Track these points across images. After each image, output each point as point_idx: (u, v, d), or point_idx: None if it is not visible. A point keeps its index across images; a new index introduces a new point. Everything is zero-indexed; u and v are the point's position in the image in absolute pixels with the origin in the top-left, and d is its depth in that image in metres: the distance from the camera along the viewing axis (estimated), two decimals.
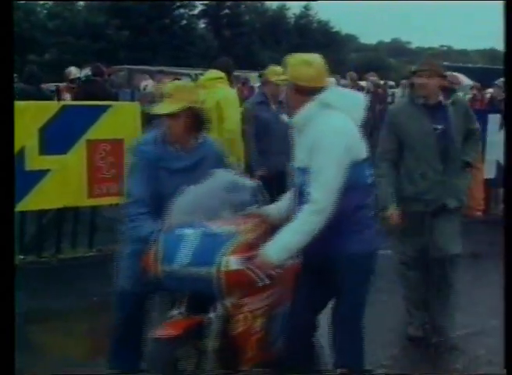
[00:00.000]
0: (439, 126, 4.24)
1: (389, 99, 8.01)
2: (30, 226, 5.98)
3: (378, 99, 8.09)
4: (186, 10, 39.85)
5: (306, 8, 44.78)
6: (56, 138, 5.52)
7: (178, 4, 38.49)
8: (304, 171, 3.07)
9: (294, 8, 45.00)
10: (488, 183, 8.63)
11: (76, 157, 5.72)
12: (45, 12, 33.65)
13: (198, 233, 3.03)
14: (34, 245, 5.91)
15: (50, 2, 33.87)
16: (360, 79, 13.59)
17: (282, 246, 3.00)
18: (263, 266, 2.96)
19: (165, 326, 3.06)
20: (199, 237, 3.02)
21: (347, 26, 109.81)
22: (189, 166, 3.35)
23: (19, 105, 5.81)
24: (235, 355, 3.16)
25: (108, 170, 5.93)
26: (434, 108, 4.26)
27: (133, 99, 6.77)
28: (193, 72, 17.99)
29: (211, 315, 3.03)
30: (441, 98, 4.27)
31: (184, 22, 39.29)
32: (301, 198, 3.05)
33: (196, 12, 40.59)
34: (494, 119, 8.33)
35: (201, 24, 41.36)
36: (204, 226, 3.07)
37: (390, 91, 11.49)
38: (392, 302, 5.10)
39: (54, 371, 3.55)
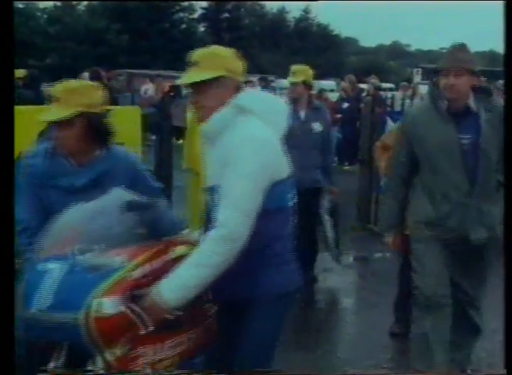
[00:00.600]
0: (467, 137, 3.42)
1: (389, 102, 8.01)
2: None
3: (377, 102, 8.09)
4: (186, 14, 40.00)
5: (305, 11, 44.95)
6: None
7: (177, 8, 38.63)
8: (213, 190, 2.50)
9: (294, 12, 45.30)
10: None
11: None
12: (45, 17, 33.76)
13: (65, 267, 2.35)
14: None
15: (50, 6, 33.94)
16: (360, 82, 13.64)
17: (178, 283, 2.35)
18: (153, 309, 2.32)
19: None
20: (65, 272, 2.34)
21: (347, 29, 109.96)
22: (87, 183, 2.78)
23: (18, 109, 5.83)
24: None
25: None
26: (461, 115, 3.45)
27: (133, 103, 6.78)
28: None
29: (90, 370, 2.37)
30: (471, 102, 3.45)
31: (184, 26, 39.45)
32: (210, 224, 2.45)
33: (195, 15, 40.78)
34: None
35: (201, 28, 41.51)
36: (75, 258, 2.37)
37: (390, 93, 11.52)
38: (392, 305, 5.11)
39: None
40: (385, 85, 19.72)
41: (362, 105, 8.00)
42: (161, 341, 2.47)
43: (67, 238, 2.42)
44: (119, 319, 2.30)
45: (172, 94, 12.39)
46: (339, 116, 12.64)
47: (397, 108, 8.03)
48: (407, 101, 8.25)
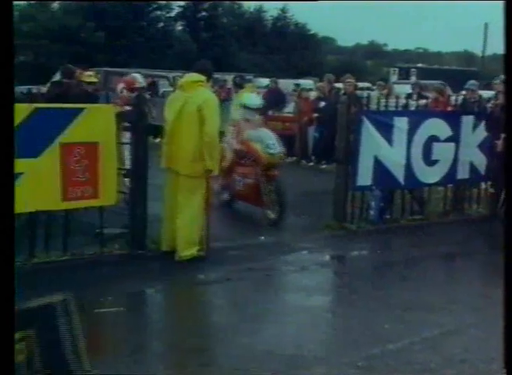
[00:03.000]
0: None
1: (365, 101, 8.03)
2: None
3: (353, 101, 8.13)
4: (163, 12, 39.75)
5: (283, 10, 44.92)
6: (29, 141, 5.44)
7: (155, 6, 38.38)
8: None
9: (271, 11, 45.03)
10: (461, 184, 8.74)
11: (50, 160, 5.65)
12: (18, 14, 33.32)
13: None
14: None
15: (23, 4, 33.52)
16: (338, 81, 13.67)
17: None
18: None
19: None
20: None
21: (324, 28, 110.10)
22: None
23: None
24: None
25: (82, 173, 5.87)
26: None
27: (108, 102, 6.71)
28: (170, 74, 17.96)
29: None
30: None
31: (161, 24, 39.19)
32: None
33: (173, 14, 40.53)
34: (467, 121, 8.43)
35: (178, 26, 41.29)
36: None
37: (366, 92, 11.56)
38: (368, 303, 5.14)
39: None
40: (361, 84, 19.79)
41: (338, 105, 8.01)
42: None
43: None
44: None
45: (149, 92, 12.33)
46: (315, 115, 12.67)
47: (373, 107, 8.05)
48: (383, 100, 8.27)
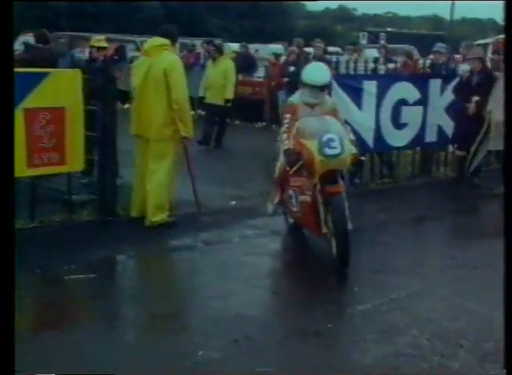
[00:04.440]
0: None
1: (334, 65, 8.00)
2: None
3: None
4: None
5: None
6: None
7: None
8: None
9: None
10: (428, 147, 8.82)
11: (16, 126, 5.53)
12: None
13: None
14: None
15: None
16: (308, 46, 13.59)
17: None
18: None
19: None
20: None
21: None
22: None
23: None
24: None
25: (48, 139, 5.78)
26: None
27: (72, 66, 6.59)
28: (138, 39, 17.66)
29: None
30: None
31: None
32: None
33: None
34: (435, 84, 8.47)
35: None
36: None
37: (335, 56, 11.52)
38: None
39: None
40: (331, 49, 19.70)
41: None
42: None
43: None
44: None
45: (116, 57, 12.11)
46: (285, 79, 12.61)
47: (342, 71, 8.02)
48: (352, 64, 8.25)
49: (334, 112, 5.60)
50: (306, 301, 4.61)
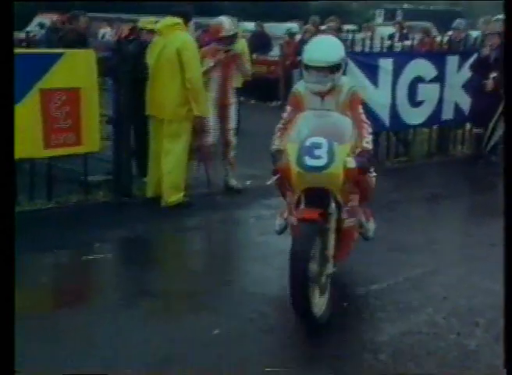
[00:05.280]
0: None
1: (349, 43, 7.91)
2: None
3: None
4: None
5: None
6: None
7: None
8: None
9: None
10: (445, 125, 8.74)
11: (30, 107, 5.56)
12: None
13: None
14: None
15: None
16: (323, 24, 13.45)
17: None
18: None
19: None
20: None
21: None
22: None
23: None
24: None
25: (64, 120, 5.81)
26: None
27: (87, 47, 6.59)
28: (154, 19, 17.56)
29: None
30: None
31: None
32: None
33: None
34: (452, 61, 8.37)
35: None
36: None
37: (351, 34, 11.41)
38: None
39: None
40: (347, 27, 19.50)
41: None
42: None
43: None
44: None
45: (131, 38, 12.06)
46: (300, 58, 12.50)
47: (357, 49, 7.95)
48: (368, 42, 8.17)
49: (355, 103, 4.11)
50: None
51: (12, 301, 2.17)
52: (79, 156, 6.11)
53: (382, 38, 8.43)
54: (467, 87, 8.44)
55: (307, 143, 3.74)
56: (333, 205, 3.84)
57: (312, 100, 4.14)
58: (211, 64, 6.40)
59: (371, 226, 4.65)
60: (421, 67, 8.11)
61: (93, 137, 5.97)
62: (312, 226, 3.67)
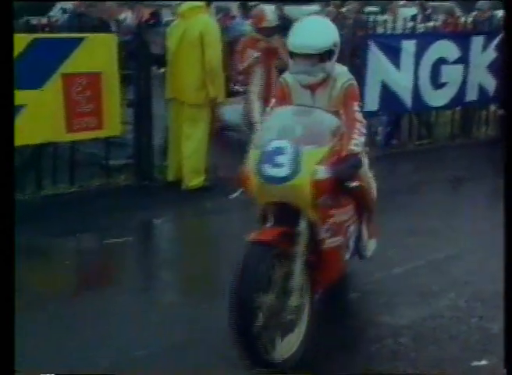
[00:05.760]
0: None
1: (371, 25, 7.82)
2: None
3: (359, 25, 7.91)
4: None
5: None
6: (30, 73, 5.39)
7: None
8: None
9: None
10: (469, 106, 8.63)
11: (52, 91, 5.60)
12: None
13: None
14: (15, 183, 5.87)
15: None
16: (344, 6, 13.30)
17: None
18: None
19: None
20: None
21: None
22: None
23: None
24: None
25: (86, 104, 5.84)
26: None
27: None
28: (174, 3, 17.54)
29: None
30: None
31: None
32: None
33: None
34: (477, 42, 8.24)
35: None
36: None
37: (373, 16, 11.27)
38: None
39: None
40: (369, 9, 19.28)
41: (344, 30, 7.82)
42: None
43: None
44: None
45: (151, 22, 12.05)
46: None
47: (379, 31, 7.85)
48: (390, 24, 8.06)
49: (350, 98, 3.49)
50: None
51: (12, 301, 2.15)
52: (100, 140, 6.14)
53: (405, 19, 8.31)
54: (493, 67, 8.30)
55: (269, 147, 3.11)
56: (303, 223, 3.14)
57: (301, 93, 3.54)
58: (256, 55, 6.12)
59: (372, 244, 4.03)
60: (445, 48, 8.00)
61: (114, 121, 5.99)
62: (264, 249, 3.01)
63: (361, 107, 3.57)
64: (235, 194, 3.49)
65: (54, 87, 5.61)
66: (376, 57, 7.35)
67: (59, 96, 5.65)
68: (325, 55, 3.40)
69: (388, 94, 7.59)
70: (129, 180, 6.28)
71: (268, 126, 3.33)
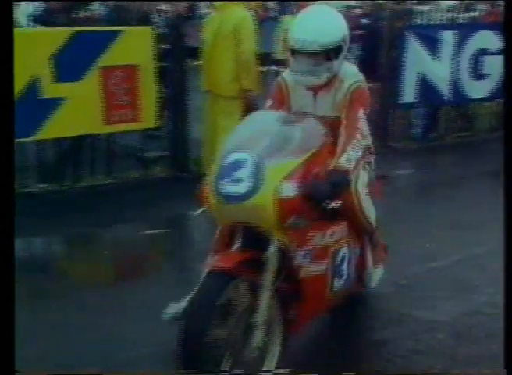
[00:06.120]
0: None
1: (409, 16, 7.69)
2: (48, 156, 6.02)
3: (397, 17, 7.79)
4: None
5: None
6: (70, 65, 5.47)
7: None
8: None
9: None
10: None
11: (91, 84, 5.66)
12: None
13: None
14: (54, 174, 5.96)
15: None
16: None
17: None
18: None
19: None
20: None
21: None
22: None
23: (28, 31, 5.75)
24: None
25: (123, 97, 5.89)
26: None
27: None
28: None
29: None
30: None
31: None
32: None
33: None
34: None
35: None
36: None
37: (411, 7, 11.11)
38: (412, 222, 5.09)
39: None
40: None
41: (381, 21, 7.72)
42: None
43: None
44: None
45: (187, 14, 12.09)
46: (359, 32, 12.26)
47: (417, 21, 7.73)
48: (427, 15, 7.93)
49: (356, 102, 3.04)
50: None
51: (12, 301, 2.14)
52: (136, 132, 6.19)
53: (445, 10, 8.18)
54: None
55: (228, 160, 2.69)
56: (273, 247, 2.68)
57: (302, 95, 3.14)
58: None
59: (378, 273, 3.56)
60: (486, 39, 7.84)
61: (150, 113, 6.02)
62: (223, 278, 2.59)
63: (367, 114, 3.06)
64: (197, 212, 2.98)
65: (93, 79, 5.67)
66: (414, 48, 7.26)
67: (98, 89, 5.72)
68: (331, 52, 2.94)
69: (426, 86, 7.49)
70: (165, 172, 6.32)
71: (235, 134, 2.86)
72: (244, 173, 2.63)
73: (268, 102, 3.24)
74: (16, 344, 2.14)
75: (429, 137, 7.83)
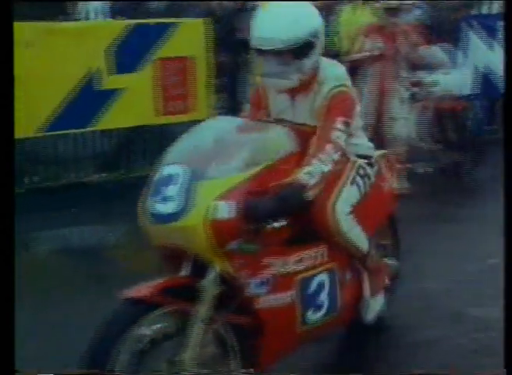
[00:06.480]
0: None
1: (465, 6, 7.55)
2: (102, 146, 6.12)
3: (453, 7, 7.67)
4: None
5: None
6: (128, 57, 5.59)
7: None
8: None
9: None
10: None
11: (145, 76, 5.77)
12: None
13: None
14: (108, 164, 6.07)
15: None
16: None
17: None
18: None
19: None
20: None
21: None
22: None
23: (87, 24, 5.87)
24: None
25: (177, 88, 5.98)
26: None
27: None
28: None
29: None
30: None
31: None
32: None
33: None
34: None
35: None
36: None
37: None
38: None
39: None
40: None
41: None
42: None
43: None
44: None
45: (239, 7, 12.11)
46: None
47: (474, 12, 7.60)
48: (485, 5, 7.79)
49: (334, 110, 2.62)
50: (438, 251, 4.49)
51: (12, 301, 2.14)
52: (188, 123, 6.24)
53: None
54: None
55: (161, 174, 2.40)
56: (212, 275, 2.35)
57: (279, 100, 2.77)
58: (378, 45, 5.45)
59: (378, 302, 3.04)
60: None
61: (202, 104, 6.09)
62: (135, 309, 2.28)
63: (347, 125, 2.62)
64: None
65: (149, 71, 5.78)
66: (470, 39, 7.12)
67: (153, 80, 5.81)
68: (300, 50, 2.56)
69: (482, 78, 7.34)
70: None
71: (177, 145, 2.54)
72: (174, 190, 2.31)
73: (246, 107, 2.95)
74: (15, 344, 2.08)
75: (484, 130, 7.68)
